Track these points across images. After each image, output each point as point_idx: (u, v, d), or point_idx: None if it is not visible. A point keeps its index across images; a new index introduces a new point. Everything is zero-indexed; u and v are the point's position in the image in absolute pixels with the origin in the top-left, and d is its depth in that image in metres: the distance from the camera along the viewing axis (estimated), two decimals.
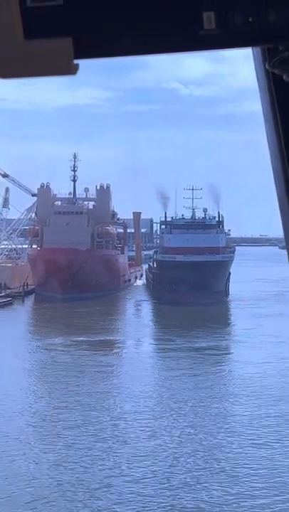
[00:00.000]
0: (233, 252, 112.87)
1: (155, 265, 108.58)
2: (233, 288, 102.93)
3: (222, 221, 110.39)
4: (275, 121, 2.53)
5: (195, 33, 2.12)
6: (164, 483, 30.63)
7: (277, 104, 2.51)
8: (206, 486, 30.33)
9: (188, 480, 30.99)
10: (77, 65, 2.18)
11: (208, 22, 2.11)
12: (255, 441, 36.21)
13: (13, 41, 2.16)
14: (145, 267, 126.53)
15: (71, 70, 2.18)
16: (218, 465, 32.85)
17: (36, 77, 2.22)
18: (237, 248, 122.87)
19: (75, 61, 2.18)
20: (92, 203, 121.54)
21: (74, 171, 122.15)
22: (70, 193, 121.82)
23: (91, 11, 2.15)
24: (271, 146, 2.62)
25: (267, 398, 44.60)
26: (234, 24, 2.10)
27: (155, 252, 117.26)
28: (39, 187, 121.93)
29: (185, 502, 28.76)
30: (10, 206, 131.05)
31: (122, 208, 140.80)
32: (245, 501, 28.71)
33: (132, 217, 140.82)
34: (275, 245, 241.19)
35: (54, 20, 2.16)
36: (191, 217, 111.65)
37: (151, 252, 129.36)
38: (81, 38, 2.16)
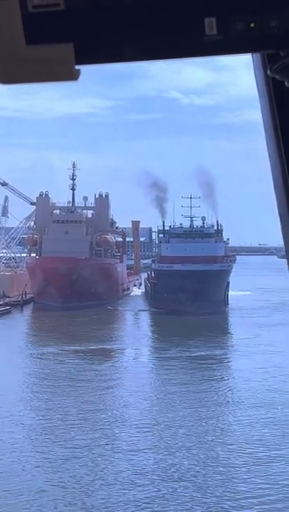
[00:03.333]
0: (234, 261, 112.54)
1: (153, 274, 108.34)
2: (233, 297, 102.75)
3: (221, 230, 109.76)
4: (274, 127, 2.52)
5: (196, 39, 2.12)
6: (160, 492, 30.51)
7: (277, 111, 2.49)
8: (203, 494, 30.19)
9: (184, 488, 30.87)
10: (78, 71, 2.18)
11: (210, 28, 2.11)
12: (253, 449, 36.14)
13: (14, 47, 2.16)
14: (144, 275, 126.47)
15: (73, 76, 2.18)
16: (215, 472, 32.73)
17: (38, 83, 2.22)
18: (237, 257, 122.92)
19: (77, 67, 2.18)
20: (91, 211, 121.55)
21: (73, 179, 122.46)
22: (68, 202, 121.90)
23: (92, 17, 2.15)
24: (271, 152, 2.61)
25: (264, 407, 44.52)
26: (236, 30, 2.10)
27: (153, 261, 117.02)
28: (38, 195, 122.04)
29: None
30: (9, 215, 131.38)
31: (121, 216, 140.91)
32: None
33: (130, 225, 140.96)
34: (274, 254, 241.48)
35: (56, 26, 2.16)
36: (190, 225, 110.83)
37: (149, 261, 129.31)
38: (82, 44, 2.16)
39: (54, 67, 2.17)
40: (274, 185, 2.71)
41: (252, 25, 2.10)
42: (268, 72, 2.27)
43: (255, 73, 2.53)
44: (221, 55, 2.17)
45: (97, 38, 2.16)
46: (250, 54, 2.38)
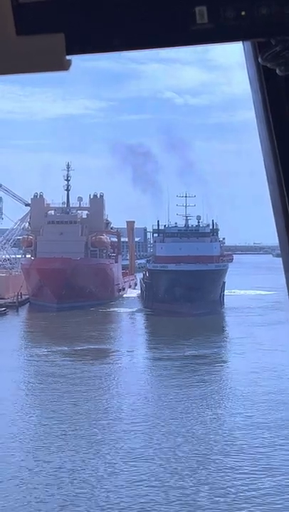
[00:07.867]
0: (231, 260, 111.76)
1: (148, 274, 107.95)
2: (229, 296, 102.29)
3: (216, 229, 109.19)
4: (266, 115, 2.49)
5: (187, 28, 2.12)
6: (157, 492, 30.45)
7: (268, 98, 2.47)
8: (197, 495, 30.16)
9: (179, 488, 30.83)
10: (69, 61, 2.18)
11: (201, 16, 2.11)
12: (247, 446, 36.25)
13: (5, 38, 2.16)
14: (140, 276, 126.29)
15: (64, 66, 2.18)
16: (209, 473, 32.73)
17: (29, 73, 2.21)
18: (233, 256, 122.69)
19: (68, 57, 2.17)
20: (86, 212, 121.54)
21: (67, 180, 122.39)
22: (63, 203, 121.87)
23: (83, 6, 2.15)
24: (263, 141, 2.58)
25: (258, 405, 44.62)
26: (226, 18, 2.11)
27: (148, 261, 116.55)
28: (32, 197, 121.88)
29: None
30: (3, 216, 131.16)
31: (116, 216, 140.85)
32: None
33: (125, 226, 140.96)
34: (269, 253, 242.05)
35: (46, 17, 2.16)
36: (185, 225, 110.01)
37: (144, 261, 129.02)
38: (73, 33, 2.15)
39: (45, 58, 2.15)
40: (267, 178, 2.69)
41: (243, 13, 2.08)
42: (259, 60, 2.27)
43: (246, 62, 2.51)
44: (212, 44, 2.16)
45: (87, 27, 2.14)
46: (241, 42, 2.38)
